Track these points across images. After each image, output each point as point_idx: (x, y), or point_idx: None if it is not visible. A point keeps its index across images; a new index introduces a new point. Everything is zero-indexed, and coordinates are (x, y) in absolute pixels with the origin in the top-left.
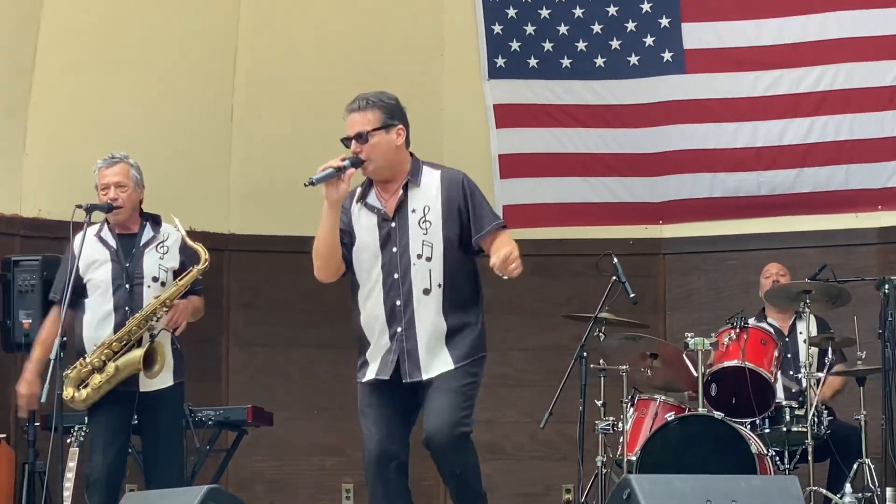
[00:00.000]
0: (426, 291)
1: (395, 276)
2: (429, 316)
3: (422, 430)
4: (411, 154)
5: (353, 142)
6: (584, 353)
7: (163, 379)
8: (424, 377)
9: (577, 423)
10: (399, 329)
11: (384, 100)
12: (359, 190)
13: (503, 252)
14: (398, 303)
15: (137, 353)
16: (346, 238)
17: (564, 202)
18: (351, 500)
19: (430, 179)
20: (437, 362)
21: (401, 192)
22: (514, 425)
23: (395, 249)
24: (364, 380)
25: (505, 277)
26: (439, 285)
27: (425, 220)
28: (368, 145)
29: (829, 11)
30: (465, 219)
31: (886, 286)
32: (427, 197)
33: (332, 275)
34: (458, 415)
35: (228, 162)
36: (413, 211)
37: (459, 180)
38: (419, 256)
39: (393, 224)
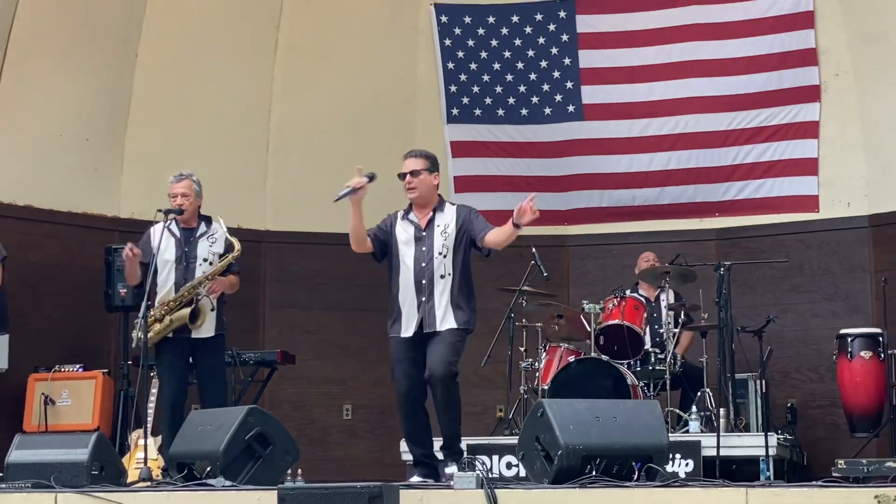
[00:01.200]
0: (442, 276)
1: (423, 264)
2: (443, 292)
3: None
4: (439, 194)
5: (408, 175)
6: (512, 315)
7: (206, 329)
8: (438, 329)
9: (506, 362)
10: (423, 299)
11: (429, 154)
12: (401, 212)
13: (521, 205)
14: (423, 282)
15: (185, 311)
16: (383, 235)
17: (500, 209)
18: (350, 415)
19: (450, 209)
20: (446, 322)
21: (431, 213)
22: (464, 364)
23: (423, 248)
24: (396, 335)
25: (524, 221)
26: (450, 273)
27: (444, 233)
28: (417, 179)
29: (684, 78)
30: (470, 230)
31: (721, 269)
32: (447, 219)
33: (361, 249)
34: (451, 359)
35: (265, 178)
36: (437, 226)
37: (468, 209)
38: (439, 254)
39: (424, 233)
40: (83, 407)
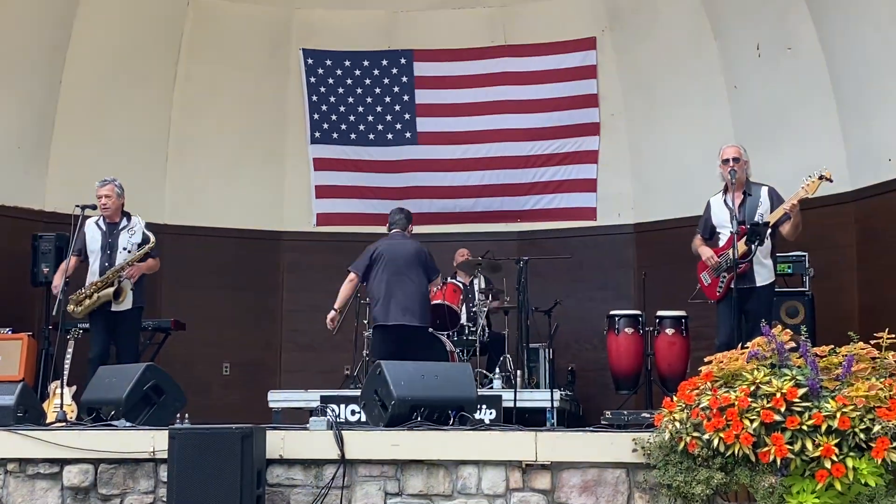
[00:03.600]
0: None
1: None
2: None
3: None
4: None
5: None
6: (358, 294)
7: (126, 304)
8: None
9: (353, 332)
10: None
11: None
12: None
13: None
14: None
15: (110, 290)
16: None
17: (351, 212)
18: (228, 372)
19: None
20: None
21: None
22: (320, 332)
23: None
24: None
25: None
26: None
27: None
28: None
29: (496, 114)
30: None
31: (521, 262)
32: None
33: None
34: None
35: (165, 182)
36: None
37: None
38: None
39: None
40: (11, 362)
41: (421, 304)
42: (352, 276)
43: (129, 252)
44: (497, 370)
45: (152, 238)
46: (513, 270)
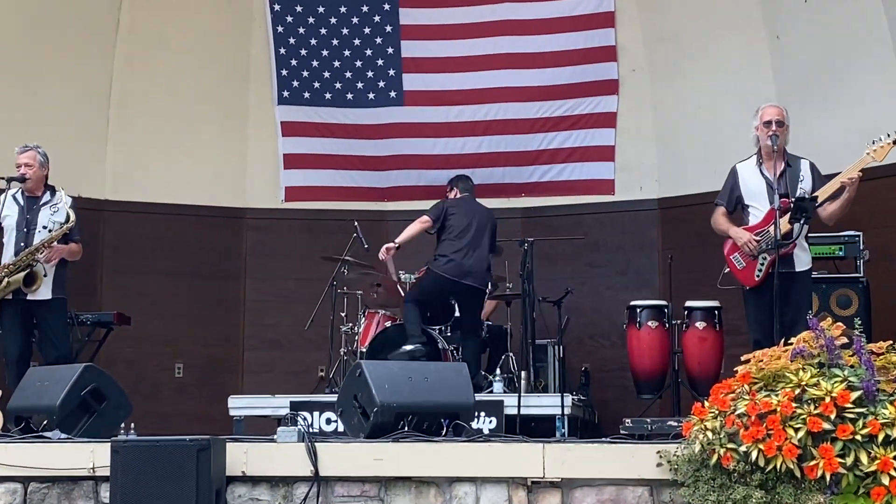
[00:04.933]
0: None
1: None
2: None
3: None
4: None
5: None
6: (334, 283)
7: (42, 293)
8: None
9: (328, 326)
10: None
11: None
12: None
13: None
14: None
15: (20, 276)
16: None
17: (325, 186)
18: (181, 373)
19: None
20: None
21: None
22: (290, 328)
23: None
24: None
25: None
26: None
27: None
28: None
29: (496, 70)
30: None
31: (525, 244)
32: None
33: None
34: None
35: (105, 150)
36: None
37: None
38: None
39: None
40: None
41: (488, 270)
42: (425, 218)
43: (50, 231)
44: (498, 371)
45: (72, 216)
46: (516, 254)
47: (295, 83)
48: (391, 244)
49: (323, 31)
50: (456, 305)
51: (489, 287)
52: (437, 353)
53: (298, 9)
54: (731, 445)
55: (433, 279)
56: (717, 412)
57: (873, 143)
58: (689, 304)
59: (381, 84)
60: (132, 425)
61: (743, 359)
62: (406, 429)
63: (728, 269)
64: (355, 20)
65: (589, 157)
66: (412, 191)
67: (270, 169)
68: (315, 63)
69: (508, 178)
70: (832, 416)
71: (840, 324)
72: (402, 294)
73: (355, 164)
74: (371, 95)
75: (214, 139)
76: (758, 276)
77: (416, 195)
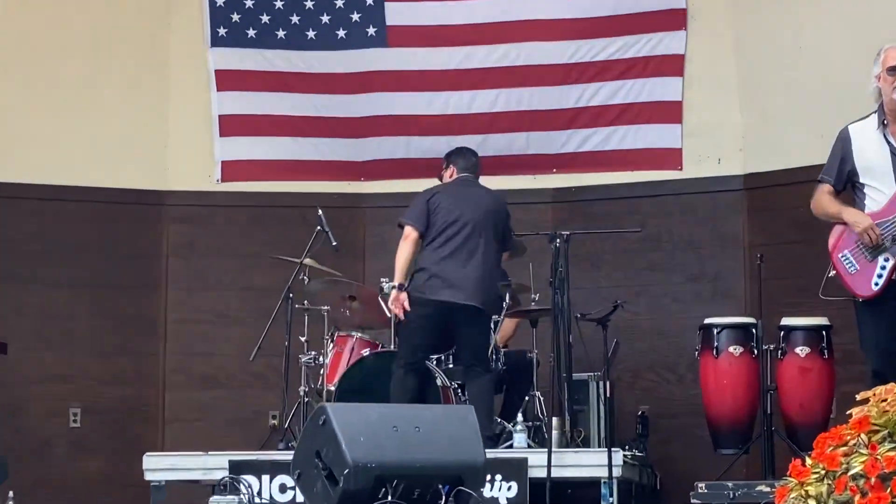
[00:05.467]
0: None
1: None
2: None
3: None
4: None
5: None
6: (291, 295)
7: None
8: None
9: (282, 356)
10: None
11: None
12: None
13: None
14: None
15: None
16: None
17: (277, 159)
18: (78, 422)
19: None
20: None
21: None
22: (228, 358)
23: None
24: None
25: None
26: None
27: None
28: None
29: None
30: None
31: (557, 240)
32: None
33: None
34: None
35: None
36: None
37: None
38: None
39: None
40: None
41: (491, 280)
42: (407, 230)
43: None
44: (520, 417)
45: None
46: (544, 253)
47: (235, 17)
48: (397, 293)
49: None
50: (454, 331)
51: (503, 302)
52: (435, 392)
53: None
54: None
55: (412, 306)
56: (822, 472)
57: None
58: (786, 322)
59: (356, 17)
60: (10, 494)
61: (859, 397)
62: (389, 498)
63: (834, 272)
64: None
65: (646, 117)
66: (399, 166)
67: (200, 137)
68: None
69: (534, 148)
70: None
71: None
72: (386, 310)
73: (320, 129)
74: (341, 33)
75: (121, 98)
76: (876, 284)
77: (405, 171)
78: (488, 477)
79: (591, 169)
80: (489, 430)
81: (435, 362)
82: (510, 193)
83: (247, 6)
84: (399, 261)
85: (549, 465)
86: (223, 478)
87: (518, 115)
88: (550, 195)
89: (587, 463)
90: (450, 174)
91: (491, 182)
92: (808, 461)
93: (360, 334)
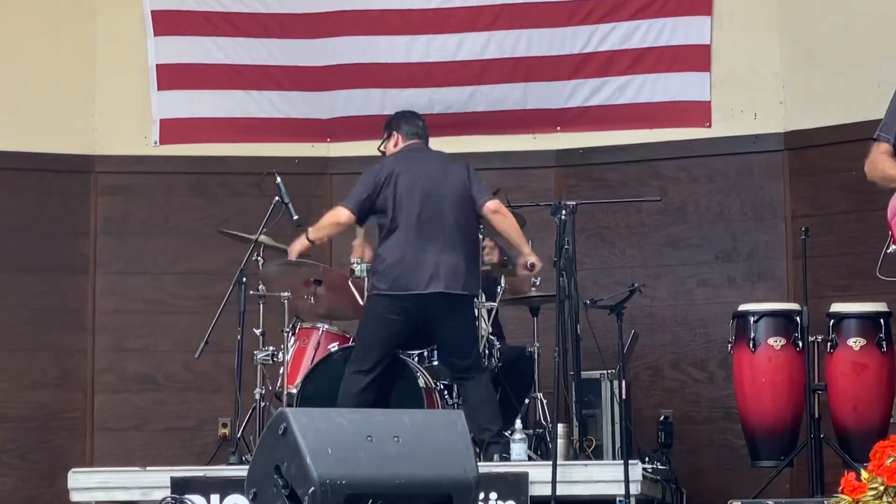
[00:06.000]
0: None
1: None
2: None
3: None
4: None
5: None
6: (244, 279)
7: None
8: None
9: (234, 352)
10: None
11: None
12: None
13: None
14: None
15: None
16: None
17: (225, 116)
18: None
19: None
20: None
21: None
22: (168, 354)
23: None
24: None
25: None
26: None
27: None
28: None
29: None
30: None
31: (562, 212)
32: None
33: None
34: None
35: None
36: None
37: None
38: None
39: None
40: None
41: (468, 260)
42: (342, 211)
43: None
44: (518, 423)
45: None
46: (546, 228)
47: None
48: (303, 240)
49: None
50: (433, 329)
51: (499, 286)
52: (418, 395)
53: None
54: None
55: (374, 308)
56: (882, 488)
57: None
58: (836, 308)
59: None
60: None
61: None
62: None
63: (894, 248)
64: None
65: (667, 64)
66: (372, 124)
67: (134, 91)
68: None
69: (534, 102)
70: None
71: None
72: (358, 297)
73: (277, 81)
74: None
75: (39, 45)
76: None
77: (379, 131)
78: (482, 495)
79: (601, 127)
80: (485, 437)
81: (416, 359)
82: (505, 156)
83: None
84: (324, 223)
85: (553, 481)
86: (164, 498)
87: (515, 63)
88: (553, 158)
89: (599, 478)
90: (394, 143)
91: (483, 143)
92: (864, 475)
93: (326, 326)
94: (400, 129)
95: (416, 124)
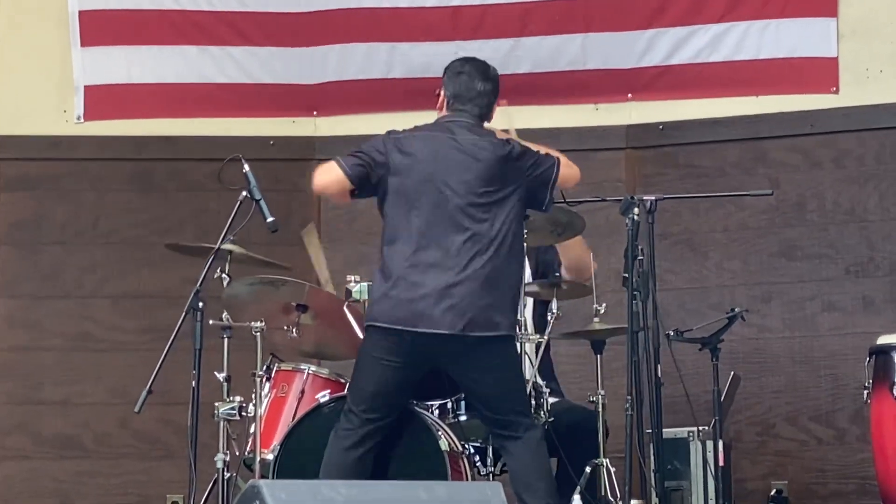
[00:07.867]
0: None
1: None
2: None
3: None
4: None
5: None
6: (201, 304)
7: None
8: None
9: (188, 405)
10: None
11: None
12: None
13: None
14: None
15: None
16: None
17: (174, 82)
18: None
19: None
20: None
21: None
22: (98, 408)
23: None
24: None
25: None
26: None
27: None
28: None
29: None
30: None
31: (635, 210)
32: None
33: None
34: None
35: None
36: None
37: None
38: None
39: None
40: None
41: (509, 284)
42: (330, 165)
43: None
44: (577, 498)
45: None
46: (615, 231)
47: None
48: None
49: None
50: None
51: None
52: (438, 460)
53: None
54: None
55: (365, 345)
56: None
57: None
58: None
59: None
60: None
61: None
62: None
63: None
64: None
65: (778, 10)
66: (374, 91)
67: (49, 49)
68: None
69: (595, 61)
70: None
71: None
72: (356, 328)
73: (246, 34)
74: None
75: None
76: None
77: (383, 101)
78: None
79: (687, 94)
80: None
81: (437, 412)
82: (555, 133)
83: None
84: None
85: None
86: None
87: (569, 4)
88: (623, 137)
89: None
90: (439, 107)
91: (526, 117)
92: None
93: (313, 368)
94: (446, 86)
95: (471, 86)
